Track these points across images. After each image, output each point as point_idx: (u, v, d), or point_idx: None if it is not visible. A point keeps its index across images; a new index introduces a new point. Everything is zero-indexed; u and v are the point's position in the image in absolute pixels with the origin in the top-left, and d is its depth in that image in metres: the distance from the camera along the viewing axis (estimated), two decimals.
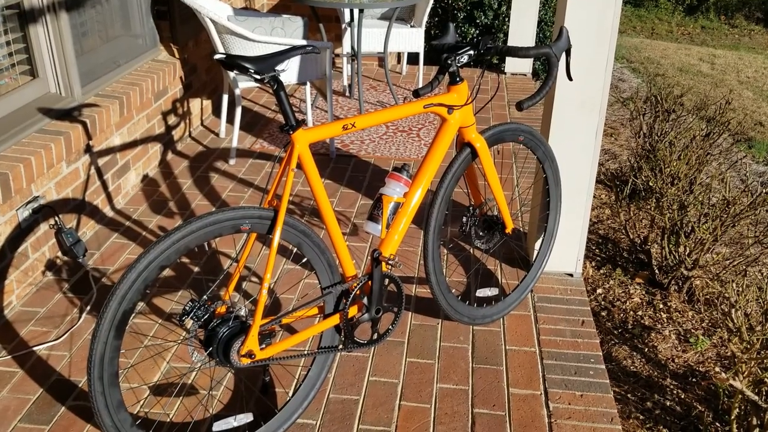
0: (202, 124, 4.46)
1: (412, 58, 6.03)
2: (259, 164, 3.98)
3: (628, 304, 3.56)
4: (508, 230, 2.57)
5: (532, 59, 5.81)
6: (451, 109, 2.27)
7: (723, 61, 9.41)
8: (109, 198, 3.37)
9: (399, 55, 6.01)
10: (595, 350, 2.56)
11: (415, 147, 4.26)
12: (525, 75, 5.70)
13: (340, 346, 2.19)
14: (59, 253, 2.97)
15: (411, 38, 4.89)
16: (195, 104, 4.29)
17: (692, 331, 3.38)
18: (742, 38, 11.36)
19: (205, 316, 1.92)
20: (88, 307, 2.71)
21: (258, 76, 1.83)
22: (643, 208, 4.34)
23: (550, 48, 2.17)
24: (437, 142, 2.30)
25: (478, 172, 2.52)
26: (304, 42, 3.57)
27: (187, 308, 1.90)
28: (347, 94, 5.09)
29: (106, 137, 3.28)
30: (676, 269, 3.57)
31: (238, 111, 3.86)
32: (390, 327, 2.27)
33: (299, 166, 1.97)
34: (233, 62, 1.80)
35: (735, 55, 9.89)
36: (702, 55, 9.69)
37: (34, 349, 2.49)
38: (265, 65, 1.82)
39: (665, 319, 3.46)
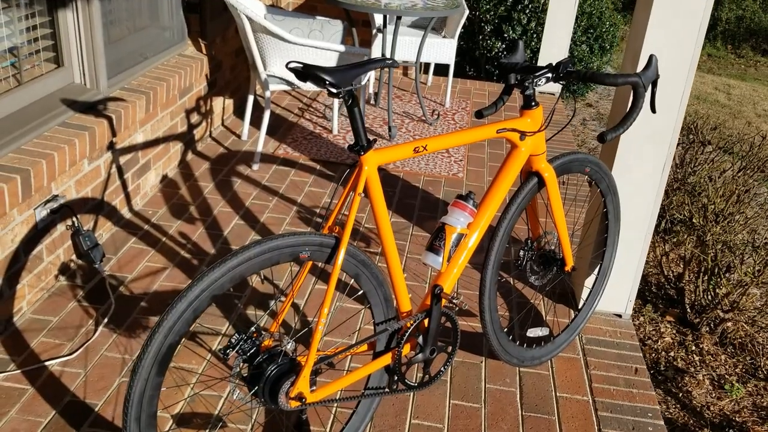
0: (222, 124, 4.26)
1: (437, 69, 5.86)
2: (283, 171, 3.78)
3: (659, 343, 3.40)
4: (568, 267, 2.38)
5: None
6: (523, 135, 2.09)
7: (738, 92, 9.32)
8: (128, 199, 3.16)
9: (422, 65, 5.83)
10: (651, 403, 2.38)
11: (445, 164, 4.07)
12: (553, 94, 5.53)
13: (387, 389, 2.00)
14: (74, 257, 2.76)
15: (442, 49, 4.71)
16: (217, 103, 4.09)
17: (726, 377, 3.22)
18: (748, 69, 11.29)
19: (252, 350, 1.72)
20: (105, 320, 2.50)
21: (334, 90, 1.63)
22: (683, 243, 4.17)
23: (639, 77, 2.00)
24: (505, 171, 2.12)
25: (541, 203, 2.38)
26: (342, 47, 3.38)
27: (233, 341, 1.70)
28: (372, 102, 4.89)
29: (130, 134, 3.07)
30: (710, 310, 3.41)
31: (267, 114, 3.66)
32: (442, 368, 2.08)
33: (365, 190, 1.78)
34: (309, 72, 1.60)
35: (749, 87, 9.80)
36: (717, 84, 9.59)
37: (46, 363, 2.27)
38: (344, 78, 1.63)
39: (698, 362, 3.31)
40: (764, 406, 3.06)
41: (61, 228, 2.65)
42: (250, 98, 3.95)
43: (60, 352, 2.33)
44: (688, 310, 3.52)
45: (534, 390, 2.37)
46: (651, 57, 2.04)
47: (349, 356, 2.42)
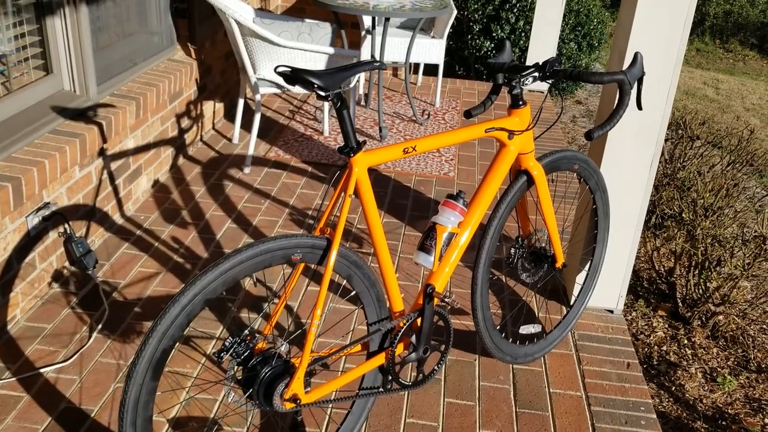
0: (213, 128, 4.27)
1: (427, 69, 5.88)
2: (274, 174, 3.79)
3: (652, 337, 3.42)
4: (559, 264, 2.40)
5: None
6: (511, 134, 2.11)
7: (727, 86, 9.36)
8: (120, 204, 3.16)
9: (412, 66, 5.84)
10: (644, 397, 2.40)
11: (436, 163, 4.09)
12: (542, 92, 5.56)
13: (381, 389, 2.01)
14: (67, 263, 2.77)
15: (431, 49, 4.72)
16: (208, 107, 4.10)
17: (718, 369, 3.24)
18: (736, 63, 11.34)
19: (246, 353, 1.73)
20: (99, 326, 2.50)
21: (323, 93, 1.65)
22: (673, 238, 4.20)
23: (625, 75, 2.02)
24: (494, 170, 2.14)
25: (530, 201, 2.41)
26: (331, 50, 3.39)
27: (226, 344, 1.71)
28: (362, 103, 4.91)
29: (121, 140, 3.07)
30: (701, 303, 3.43)
31: (257, 117, 3.67)
32: (435, 367, 2.10)
33: (356, 192, 1.79)
34: (297, 76, 1.62)
35: (737, 81, 9.85)
36: (705, 79, 9.64)
37: (41, 371, 2.28)
38: (332, 81, 1.64)
39: (690, 356, 3.33)
40: (756, 398, 3.09)
41: (53, 235, 2.65)
42: (241, 102, 3.96)
43: (55, 359, 2.34)
44: (680, 304, 3.54)
45: (527, 387, 2.39)
46: (636, 54, 2.06)
47: (343, 357, 2.43)
